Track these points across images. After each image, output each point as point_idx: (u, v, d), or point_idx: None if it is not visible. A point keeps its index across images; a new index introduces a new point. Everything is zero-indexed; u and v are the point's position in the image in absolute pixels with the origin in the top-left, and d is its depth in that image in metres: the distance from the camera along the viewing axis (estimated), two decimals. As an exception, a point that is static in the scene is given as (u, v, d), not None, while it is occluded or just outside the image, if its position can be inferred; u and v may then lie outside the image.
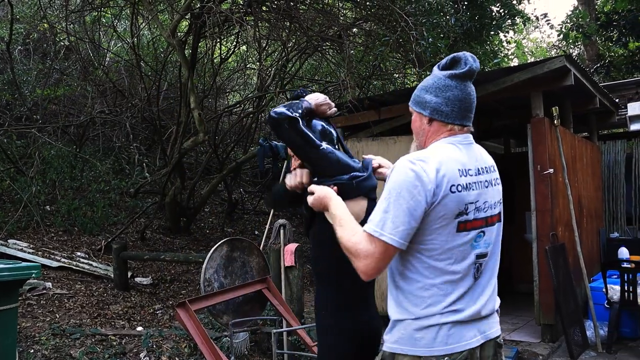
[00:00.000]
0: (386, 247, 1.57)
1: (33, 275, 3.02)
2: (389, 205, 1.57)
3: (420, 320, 1.63)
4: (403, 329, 1.66)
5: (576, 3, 13.30)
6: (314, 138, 2.07)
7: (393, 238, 1.55)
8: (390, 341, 1.70)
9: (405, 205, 1.55)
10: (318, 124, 2.21)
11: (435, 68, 1.77)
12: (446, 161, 1.62)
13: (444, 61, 1.75)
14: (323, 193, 1.88)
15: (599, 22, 11.77)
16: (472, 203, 1.64)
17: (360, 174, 2.05)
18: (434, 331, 1.61)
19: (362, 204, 2.05)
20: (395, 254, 1.64)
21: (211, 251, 3.68)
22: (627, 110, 6.73)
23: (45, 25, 8.67)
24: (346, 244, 1.65)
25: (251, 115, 9.54)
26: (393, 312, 1.72)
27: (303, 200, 2.04)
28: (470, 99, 1.72)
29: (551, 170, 5.07)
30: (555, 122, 5.25)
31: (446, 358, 1.60)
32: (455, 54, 1.75)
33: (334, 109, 2.28)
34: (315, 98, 2.22)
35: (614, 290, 4.90)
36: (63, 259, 6.18)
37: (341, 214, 1.75)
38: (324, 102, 2.24)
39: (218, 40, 8.08)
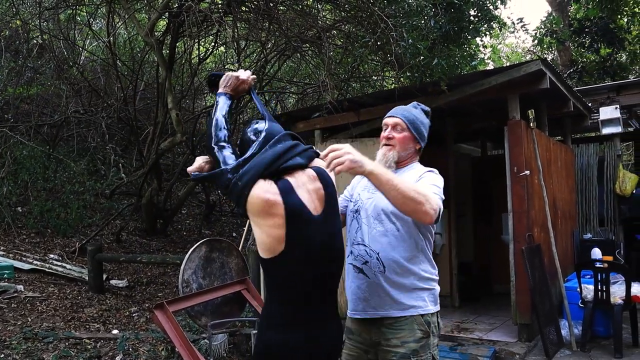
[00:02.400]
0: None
1: (5, 275, 2.94)
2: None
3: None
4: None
5: (550, 9, 13.58)
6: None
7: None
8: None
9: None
10: (247, 133, 2.00)
11: (418, 107, 2.37)
12: None
13: (425, 108, 2.39)
14: (344, 151, 1.89)
15: (572, 29, 12.03)
16: None
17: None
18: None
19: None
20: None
21: (189, 252, 3.63)
22: (599, 115, 6.88)
23: (18, 22, 8.47)
24: (417, 193, 1.94)
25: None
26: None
27: (239, 211, 1.93)
28: None
29: (527, 172, 5.14)
30: (531, 124, 5.33)
31: None
32: (428, 108, 2.41)
33: (247, 73, 2.13)
34: (226, 84, 2.07)
35: (588, 290, 4.99)
36: (35, 262, 6.04)
37: (394, 182, 1.93)
38: (236, 81, 2.10)
39: (196, 40, 8.00)
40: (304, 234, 1.83)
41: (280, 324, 1.88)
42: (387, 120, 2.32)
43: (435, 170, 2.24)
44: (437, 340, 2.17)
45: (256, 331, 3.54)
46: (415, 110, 2.33)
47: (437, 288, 2.21)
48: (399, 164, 2.26)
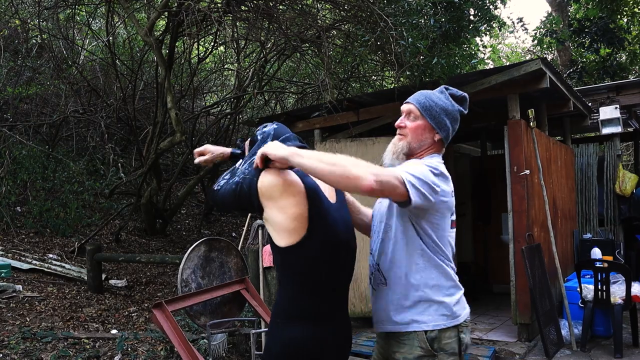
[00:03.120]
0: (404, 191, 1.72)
1: (2, 274, 2.92)
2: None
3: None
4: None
5: (550, 9, 13.57)
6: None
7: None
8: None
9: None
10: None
11: (446, 92, 2.02)
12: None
13: (456, 93, 2.04)
14: (267, 148, 1.69)
15: (571, 29, 12.02)
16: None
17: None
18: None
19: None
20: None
21: (188, 251, 3.61)
22: (599, 115, 6.88)
23: (17, 21, 8.46)
24: (349, 172, 1.62)
25: (229, 117, 9.47)
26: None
27: (255, 208, 1.80)
28: None
29: (527, 172, 5.14)
30: (531, 124, 5.33)
31: None
32: (465, 93, 2.07)
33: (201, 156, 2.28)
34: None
35: (588, 290, 4.98)
36: (34, 261, 6.02)
37: (313, 159, 1.64)
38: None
39: (196, 39, 7.99)
40: (324, 214, 1.78)
41: (305, 317, 1.80)
42: (402, 107, 2.04)
43: (429, 162, 1.88)
44: (453, 358, 1.88)
45: (256, 330, 3.52)
46: (437, 95, 1.99)
47: (451, 300, 1.91)
48: (412, 157, 1.99)
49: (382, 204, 2.02)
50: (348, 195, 2.12)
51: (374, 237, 2.02)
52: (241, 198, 1.79)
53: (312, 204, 1.74)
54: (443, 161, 2.01)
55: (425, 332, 1.86)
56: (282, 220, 1.74)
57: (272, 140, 1.85)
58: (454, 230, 1.99)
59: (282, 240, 1.77)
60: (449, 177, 1.92)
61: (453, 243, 1.99)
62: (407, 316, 1.87)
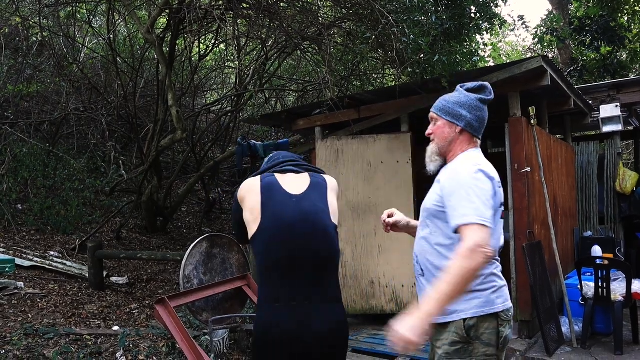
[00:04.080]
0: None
1: (7, 269, 2.94)
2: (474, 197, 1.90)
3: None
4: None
5: (550, 8, 13.57)
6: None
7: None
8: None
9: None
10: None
11: (460, 88, 2.15)
12: (489, 166, 2.03)
13: (471, 85, 2.15)
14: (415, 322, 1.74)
15: (572, 27, 12.02)
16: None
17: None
18: None
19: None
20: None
21: (190, 247, 3.62)
22: (599, 113, 6.88)
23: (18, 19, 8.45)
24: (466, 264, 1.76)
25: (229, 114, 9.47)
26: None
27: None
28: (486, 120, 2.14)
29: (528, 169, 5.14)
30: (532, 121, 5.33)
31: None
32: (482, 82, 2.16)
33: None
34: None
35: (589, 287, 4.99)
36: (36, 259, 6.03)
37: (444, 288, 1.76)
38: None
39: (197, 37, 7.99)
40: (276, 204, 2.05)
41: (265, 303, 2.00)
42: (429, 117, 2.21)
43: (457, 169, 1.98)
44: (488, 349, 1.93)
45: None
46: (450, 95, 2.15)
47: (489, 289, 1.97)
48: (448, 156, 2.13)
49: (425, 201, 2.14)
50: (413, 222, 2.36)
51: (417, 232, 2.18)
52: (235, 216, 2.24)
53: (263, 197, 2.07)
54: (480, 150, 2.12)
55: (464, 320, 1.94)
56: (246, 214, 2.12)
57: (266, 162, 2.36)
58: (502, 221, 2.10)
59: (250, 233, 2.09)
60: (489, 167, 2.00)
61: (500, 234, 2.07)
62: (448, 306, 1.88)
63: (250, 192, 2.11)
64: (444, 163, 2.14)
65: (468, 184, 1.91)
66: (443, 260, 1.96)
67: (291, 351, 1.96)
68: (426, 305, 1.77)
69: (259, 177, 2.16)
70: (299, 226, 2.02)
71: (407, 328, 1.71)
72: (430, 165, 2.16)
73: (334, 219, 2.14)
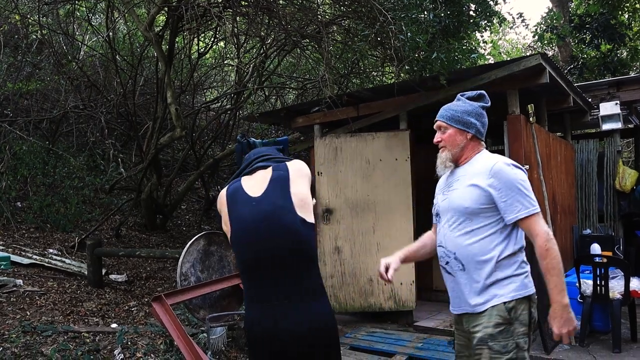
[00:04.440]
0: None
1: (2, 266, 2.93)
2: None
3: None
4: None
5: (550, 5, 13.55)
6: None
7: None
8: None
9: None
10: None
11: (461, 97, 2.37)
12: None
13: (471, 94, 2.38)
14: (562, 311, 2.11)
15: (572, 24, 11.99)
16: None
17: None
18: None
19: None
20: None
21: (188, 245, 3.62)
22: (599, 111, 6.87)
23: (17, 17, 8.45)
24: (553, 253, 2.14)
25: (229, 112, 9.47)
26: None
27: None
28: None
29: (527, 167, 5.12)
30: (531, 119, 5.32)
31: None
32: (480, 91, 2.39)
33: None
34: None
35: (587, 285, 4.99)
36: (35, 256, 6.04)
37: (556, 280, 2.11)
38: None
39: (195, 35, 7.98)
40: (239, 209, 2.11)
41: (247, 302, 2.12)
42: (434, 126, 2.39)
43: (502, 167, 2.18)
44: (525, 329, 2.18)
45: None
46: (454, 104, 2.35)
47: (523, 273, 2.23)
48: (461, 161, 2.33)
49: (447, 200, 2.30)
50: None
51: (444, 230, 2.30)
52: (218, 222, 2.26)
53: (229, 206, 2.14)
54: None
55: (504, 303, 2.15)
56: (222, 224, 2.18)
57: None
58: None
59: (229, 240, 2.16)
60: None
61: None
62: (488, 293, 2.17)
63: (221, 203, 2.19)
64: (456, 166, 2.34)
65: (516, 178, 2.16)
66: (488, 253, 2.16)
67: (270, 349, 2.00)
68: (556, 300, 2.08)
69: (227, 187, 2.23)
70: (260, 228, 2.03)
71: (563, 323, 2.08)
72: (444, 171, 2.37)
73: (301, 210, 2.07)
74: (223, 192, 2.21)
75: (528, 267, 2.27)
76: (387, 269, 2.47)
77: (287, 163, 2.22)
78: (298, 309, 1.99)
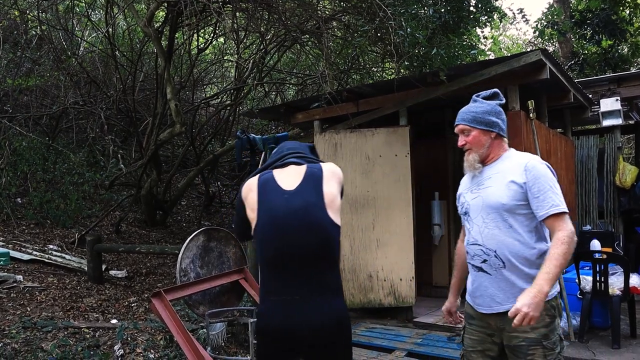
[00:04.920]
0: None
1: (1, 262, 2.94)
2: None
3: None
4: None
5: (551, 1, 13.50)
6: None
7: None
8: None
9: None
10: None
11: (477, 98, 2.41)
12: None
13: (486, 93, 2.43)
14: (535, 298, 2.01)
15: (573, 20, 11.96)
16: None
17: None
18: None
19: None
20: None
21: (187, 241, 3.63)
22: (599, 107, 6.85)
23: (16, 12, 8.43)
24: (568, 250, 2.07)
25: (228, 108, 9.45)
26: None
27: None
28: None
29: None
30: (531, 115, 5.31)
31: None
32: (494, 89, 2.43)
33: None
34: None
35: (586, 281, 4.99)
36: (35, 252, 6.05)
37: (554, 270, 2.05)
38: None
39: (195, 30, 7.97)
40: (270, 199, 2.10)
41: (263, 296, 2.10)
42: (456, 130, 2.42)
43: (536, 164, 2.22)
44: (559, 321, 2.24)
45: (255, 319, 3.54)
46: (473, 105, 2.38)
47: None
48: (487, 160, 2.35)
49: (480, 198, 2.32)
50: None
51: (479, 228, 2.30)
52: (238, 212, 2.25)
53: (259, 195, 2.13)
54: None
55: (548, 301, 2.15)
56: (248, 212, 2.17)
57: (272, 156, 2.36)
58: None
59: (252, 230, 2.15)
60: None
61: None
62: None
63: (250, 190, 2.18)
64: (482, 165, 2.37)
65: (548, 176, 2.20)
66: (529, 250, 2.19)
67: (284, 344, 2.01)
68: (541, 285, 2.01)
69: (258, 175, 2.22)
70: (288, 222, 2.04)
71: (527, 304, 1.97)
72: (473, 172, 2.39)
73: (331, 210, 2.09)
74: (253, 180, 2.21)
75: None
76: (450, 313, 2.60)
77: (322, 164, 2.25)
78: (317, 305, 2.01)
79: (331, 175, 2.18)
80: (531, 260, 2.18)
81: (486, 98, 2.41)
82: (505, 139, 2.39)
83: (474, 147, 2.34)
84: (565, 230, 2.10)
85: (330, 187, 2.14)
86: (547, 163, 2.28)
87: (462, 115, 2.38)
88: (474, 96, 2.44)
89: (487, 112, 2.34)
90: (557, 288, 2.24)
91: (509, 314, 2.01)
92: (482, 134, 2.33)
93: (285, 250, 2.03)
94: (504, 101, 2.42)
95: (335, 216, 2.10)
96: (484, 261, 2.26)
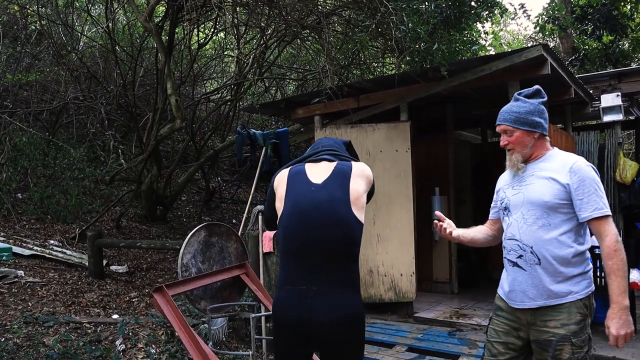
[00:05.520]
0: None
1: (4, 257, 2.94)
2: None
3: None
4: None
5: (552, -4, 13.45)
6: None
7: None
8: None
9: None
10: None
11: (520, 97, 2.36)
12: None
13: (528, 91, 2.36)
14: (621, 321, 2.10)
15: (574, 15, 11.94)
16: None
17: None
18: None
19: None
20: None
21: (189, 236, 3.63)
22: (600, 102, 6.84)
23: (16, 7, 8.41)
24: (623, 256, 2.15)
25: (229, 103, 9.44)
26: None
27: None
28: None
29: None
30: (532, 110, 5.30)
31: None
32: (537, 87, 2.38)
33: None
34: None
35: (587, 276, 4.99)
36: (36, 247, 6.05)
37: (623, 283, 2.12)
38: None
39: (195, 25, 7.95)
40: (298, 191, 2.19)
41: (280, 285, 2.15)
42: (497, 129, 2.41)
43: (582, 166, 2.21)
44: (590, 321, 2.27)
45: (256, 315, 3.55)
46: (515, 104, 2.34)
47: (590, 270, 2.29)
48: (531, 159, 2.35)
49: (521, 195, 2.32)
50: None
51: (517, 224, 2.31)
52: (268, 200, 2.35)
53: (288, 186, 2.23)
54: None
55: (580, 299, 2.21)
56: (277, 202, 2.26)
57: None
58: None
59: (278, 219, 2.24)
60: None
61: None
62: (564, 288, 2.20)
63: (281, 180, 2.28)
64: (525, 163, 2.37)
65: (594, 178, 2.19)
66: (565, 249, 2.20)
67: (297, 333, 2.06)
68: (620, 301, 2.09)
69: (289, 167, 2.32)
70: (312, 214, 2.10)
71: (621, 325, 2.08)
72: (517, 172, 2.38)
73: (355, 207, 2.14)
74: (285, 171, 2.31)
75: (592, 266, 2.34)
76: (441, 219, 2.62)
77: (353, 162, 2.31)
78: (327, 297, 2.04)
79: (360, 173, 2.24)
80: (567, 260, 2.20)
81: (528, 96, 2.37)
82: (548, 138, 2.38)
83: (517, 147, 2.34)
84: (612, 235, 2.14)
85: (357, 185, 2.19)
86: (592, 165, 2.27)
87: (504, 115, 2.36)
88: (515, 94, 2.40)
89: (530, 112, 2.31)
90: (591, 287, 2.28)
91: (610, 344, 2.11)
92: (525, 134, 2.31)
93: (307, 242, 2.08)
94: (546, 98, 2.38)
95: (359, 213, 2.14)
96: (520, 256, 2.29)
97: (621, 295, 2.09)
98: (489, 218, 2.64)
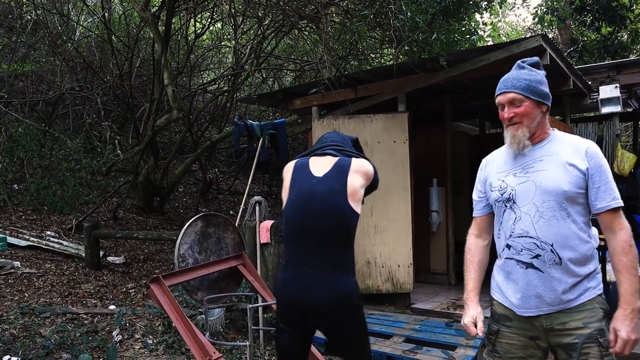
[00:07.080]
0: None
1: (-1, 248, 2.91)
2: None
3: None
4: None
5: (551, -13, 13.38)
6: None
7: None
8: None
9: None
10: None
11: (524, 64, 2.07)
12: None
13: (531, 60, 2.09)
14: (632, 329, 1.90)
15: (573, 7, 11.87)
16: None
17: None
18: None
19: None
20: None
21: (185, 226, 3.61)
22: (599, 94, 6.82)
23: (11, -4, 8.32)
24: (636, 252, 1.93)
25: (226, 94, 9.40)
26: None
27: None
28: None
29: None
30: (531, 101, 5.28)
31: None
32: (536, 57, 2.10)
33: None
34: None
35: (584, 268, 5.00)
36: (32, 238, 6.03)
37: (634, 286, 1.91)
38: None
39: (192, 15, 7.88)
40: (301, 181, 2.42)
41: (284, 266, 2.41)
42: (501, 99, 2.06)
43: (597, 151, 1.96)
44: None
45: (253, 305, 3.54)
46: (524, 72, 2.04)
47: (600, 265, 2.16)
48: (534, 139, 2.04)
49: (530, 183, 2.01)
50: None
51: (531, 218, 1.99)
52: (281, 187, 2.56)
53: (293, 177, 2.47)
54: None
55: (599, 294, 2.01)
56: (282, 191, 2.51)
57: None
58: None
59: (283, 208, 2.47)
60: None
61: None
62: (581, 286, 1.97)
63: (287, 171, 2.52)
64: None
65: (606, 164, 1.97)
66: (584, 245, 1.97)
67: (296, 309, 2.31)
68: (633, 302, 1.88)
69: (296, 160, 2.55)
70: (312, 204, 2.34)
71: (633, 328, 1.86)
72: (520, 152, 2.06)
73: (352, 199, 2.36)
74: (292, 163, 2.55)
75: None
76: (476, 325, 2.15)
77: (353, 158, 2.50)
78: (324, 279, 2.27)
79: (358, 168, 2.44)
80: (586, 256, 1.97)
81: (533, 65, 2.08)
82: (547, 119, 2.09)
83: (525, 120, 2.00)
84: (627, 229, 1.94)
85: (354, 180, 2.41)
86: (598, 155, 2.03)
87: (512, 82, 2.02)
88: (519, 62, 2.09)
89: (540, 82, 2.01)
90: (601, 283, 2.06)
91: (615, 350, 1.89)
92: (535, 106, 1.99)
93: (306, 227, 2.32)
94: (545, 73, 2.08)
95: (355, 205, 2.37)
96: (537, 256, 1.97)
97: (634, 296, 1.87)
98: (475, 216, 2.30)
